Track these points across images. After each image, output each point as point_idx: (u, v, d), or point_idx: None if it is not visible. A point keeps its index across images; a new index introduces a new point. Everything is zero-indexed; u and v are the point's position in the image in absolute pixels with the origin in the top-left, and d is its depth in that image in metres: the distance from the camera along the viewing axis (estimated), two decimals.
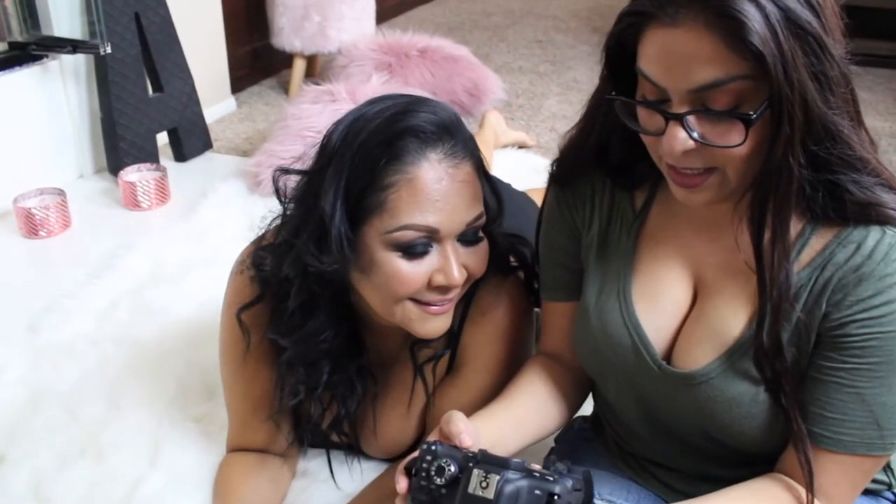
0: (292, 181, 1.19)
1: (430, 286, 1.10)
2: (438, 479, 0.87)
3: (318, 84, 2.85)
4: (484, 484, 0.83)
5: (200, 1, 3.22)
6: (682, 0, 0.82)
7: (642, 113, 0.92)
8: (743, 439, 0.99)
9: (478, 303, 1.25)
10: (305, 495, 1.39)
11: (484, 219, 1.13)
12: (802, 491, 0.93)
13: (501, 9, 5.63)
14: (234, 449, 1.39)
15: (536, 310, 1.31)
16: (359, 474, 1.40)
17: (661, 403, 1.05)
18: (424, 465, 0.88)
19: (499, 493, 0.81)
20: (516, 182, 2.01)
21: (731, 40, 0.80)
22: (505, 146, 2.96)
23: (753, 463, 1.00)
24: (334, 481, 1.37)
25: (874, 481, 1.06)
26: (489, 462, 0.84)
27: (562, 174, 1.13)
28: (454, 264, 1.09)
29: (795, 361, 0.94)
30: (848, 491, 0.95)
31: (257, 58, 3.81)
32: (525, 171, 2.66)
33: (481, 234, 1.15)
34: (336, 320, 1.20)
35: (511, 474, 0.82)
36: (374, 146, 1.06)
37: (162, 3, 2.75)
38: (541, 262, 1.22)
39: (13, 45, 2.55)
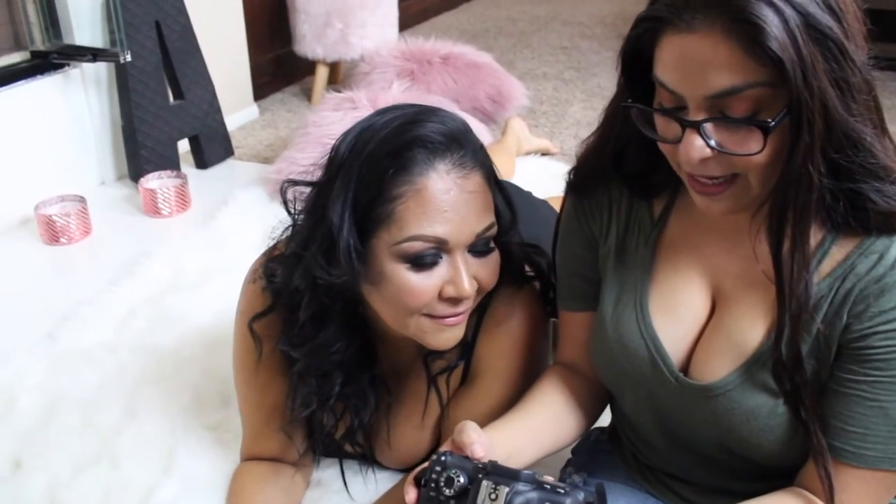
0: (303, 191, 1.18)
1: (441, 298, 1.08)
2: (448, 490, 0.85)
3: (339, 91, 2.85)
4: (493, 496, 0.81)
5: (223, 9, 3.23)
6: (698, 5, 0.80)
7: (659, 121, 0.90)
8: (761, 452, 0.96)
9: (492, 313, 1.23)
10: None
11: (495, 229, 1.11)
12: None
13: (527, 15, 5.62)
14: (248, 458, 1.38)
15: (553, 320, 1.29)
16: (373, 484, 1.39)
17: (677, 415, 1.02)
18: (434, 476, 0.87)
19: None
20: (538, 189, 2.00)
21: (748, 46, 0.78)
22: (528, 153, 2.94)
23: (772, 476, 0.98)
24: (347, 492, 1.36)
25: None
26: (499, 473, 0.83)
27: (579, 183, 1.12)
28: (464, 276, 1.07)
29: (815, 374, 0.92)
30: None
31: (280, 65, 3.82)
32: (548, 178, 2.63)
33: (493, 244, 1.13)
34: (348, 332, 1.18)
35: (521, 486, 0.81)
36: (381, 157, 1.05)
37: (182, 11, 2.76)
38: (558, 272, 1.20)
39: (35, 55, 2.58)
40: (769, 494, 0.95)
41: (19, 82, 2.48)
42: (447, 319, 1.10)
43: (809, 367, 0.91)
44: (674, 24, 0.82)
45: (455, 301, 1.08)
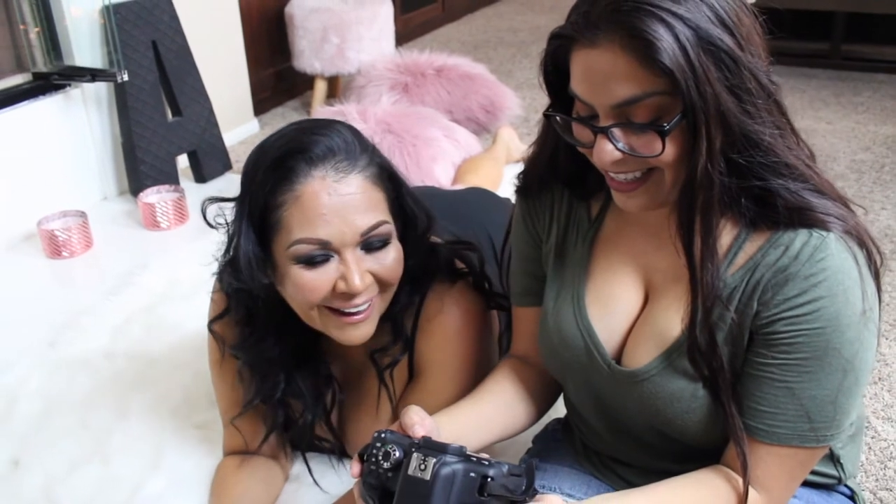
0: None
1: (335, 292, 1.16)
2: (385, 464, 0.92)
3: (334, 106, 2.93)
4: (422, 466, 0.87)
5: (221, 27, 3.33)
6: (599, 24, 0.88)
7: (576, 128, 0.98)
8: (687, 433, 1.03)
9: (424, 310, 1.31)
10: (297, 496, 1.46)
11: (387, 226, 1.18)
12: (741, 482, 0.97)
13: (528, 25, 5.69)
14: (228, 452, 1.46)
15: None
16: (346, 476, 1.46)
17: (612, 401, 1.09)
18: (374, 451, 0.94)
19: (435, 474, 0.86)
20: None
21: (644, 59, 0.86)
22: (518, 161, 3.00)
23: (702, 458, 1.04)
24: (317, 485, 1.43)
25: (824, 475, 1.11)
26: (430, 447, 0.90)
27: (525, 186, 1.19)
28: (354, 272, 1.14)
29: (731, 359, 0.98)
30: (786, 482, 0.99)
31: (280, 80, 3.92)
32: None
33: (391, 240, 1.19)
34: (274, 331, 1.27)
35: (448, 458, 0.87)
36: (268, 169, 1.14)
37: (178, 31, 2.86)
38: (510, 270, 1.27)
39: (37, 76, 2.68)
40: (694, 472, 1.02)
41: (22, 103, 2.58)
42: (349, 317, 1.18)
43: (726, 354, 0.98)
44: (580, 41, 0.91)
45: (348, 295, 1.16)
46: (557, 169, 1.11)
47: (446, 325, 1.29)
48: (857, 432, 1.14)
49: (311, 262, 1.14)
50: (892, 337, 2.04)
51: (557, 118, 0.99)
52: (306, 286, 1.15)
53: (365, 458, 0.96)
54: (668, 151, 0.90)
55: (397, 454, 0.92)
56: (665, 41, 0.84)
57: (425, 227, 1.26)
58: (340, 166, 1.14)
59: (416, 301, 1.29)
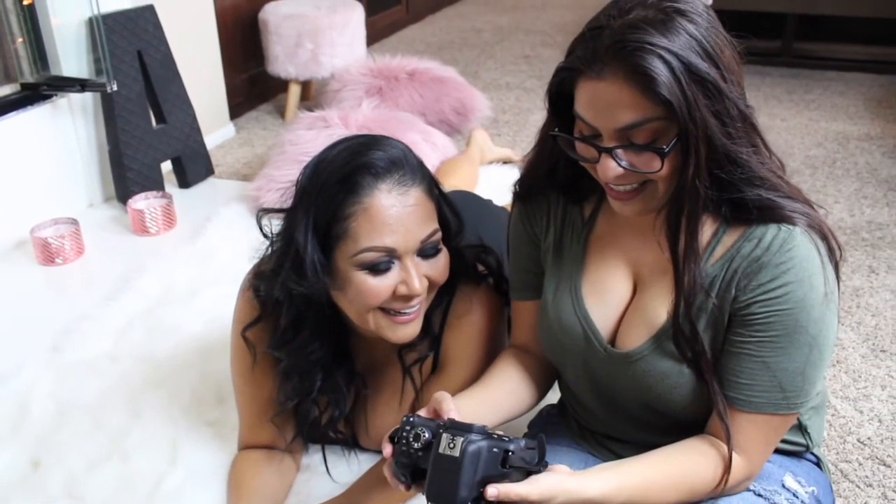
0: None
1: (395, 296, 1.27)
2: (416, 444, 1.04)
3: (311, 109, 3.02)
4: (451, 445, 0.99)
5: (198, 33, 3.41)
6: (605, 58, 1.01)
7: (580, 146, 1.11)
8: (676, 407, 1.17)
9: (454, 309, 1.43)
10: (309, 486, 1.56)
11: (439, 234, 1.31)
12: (724, 447, 1.12)
13: (491, 25, 5.81)
14: (245, 447, 1.56)
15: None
16: (356, 465, 1.57)
17: (607, 380, 1.23)
18: (404, 434, 1.06)
19: (463, 451, 0.98)
20: (500, 197, 2.16)
21: (644, 90, 0.99)
22: (491, 162, 3.12)
23: (690, 431, 1.17)
24: (329, 475, 1.54)
25: (794, 443, 1.25)
26: (456, 427, 1.01)
27: (523, 193, 1.33)
28: (414, 276, 1.26)
29: (713, 341, 1.13)
30: (762, 446, 1.14)
31: (254, 84, 4.00)
32: (510, 186, 2.82)
33: (441, 246, 1.32)
34: (322, 334, 1.38)
35: (474, 436, 0.99)
36: (333, 184, 1.25)
37: (162, 40, 2.93)
38: (510, 268, 1.40)
39: (25, 86, 2.74)
40: (682, 441, 1.16)
41: (11, 113, 2.63)
42: (401, 317, 1.30)
43: (707, 337, 1.12)
44: (586, 73, 1.04)
45: (407, 298, 1.28)
46: (556, 178, 1.25)
47: (473, 323, 1.42)
48: (821, 404, 1.30)
49: (375, 268, 1.25)
50: (847, 323, 2.20)
51: (562, 137, 1.12)
52: (370, 291, 1.26)
53: (396, 440, 1.07)
54: (664, 168, 1.03)
55: (427, 435, 1.03)
56: (663, 75, 0.98)
57: (458, 233, 1.39)
58: (403, 180, 1.26)
59: (444, 301, 1.41)
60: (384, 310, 1.30)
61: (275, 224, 1.38)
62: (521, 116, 3.88)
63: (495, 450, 0.99)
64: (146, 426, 1.74)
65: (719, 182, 1.06)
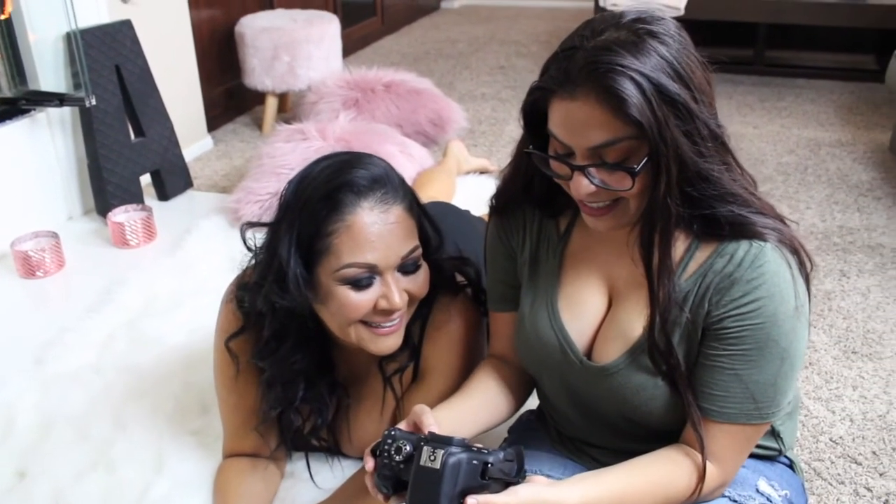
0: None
1: (376, 310, 1.31)
2: (398, 457, 1.07)
3: (289, 121, 3.05)
4: (432, 457, 1.02)
5: (175, 47, 3.42)
6: (577, 79, 1.03)
7: (554, 163, 1.13)
8: (652, 418, 1.20)
9: (433, 320, 1.46)
10: (293, 493, 1.59)
11: (419, 250, 1.34)
12: (699, 456, 1.15)
13: (466, 36, 5.86)
14: (229, 455, 1.58)
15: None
16: (340, 472, 1.60)
17: (584, 392, 1.26)
18: (386, 447, 1.08)
19: (444, 463, 1.01)
20: (477, 207, 2.19)
21: (616, 111, 1.02)
22: (468, 173, 3.15)
23: (665, 438, 1.21)
24: (313, 481, 1.57)
25: (767, 448, 1.29)
26: (436, 440, 1.04)
27: (499, 207, 1.36)
28: (395, 291, 1.30)
29: (687, 355, 1.16)
30: (736, 454, 1.17)
31: (231, 97, 4.02)
32: (486, 196, 2.84)
33: (420, 262, 1.35)
34: (304, 345, 1.41)
35: (454, 449, 1.02)
36: (317, 201, 1.28)
37: (140, 54, 2.95)
38: (487, 280, 1.43)
39: (3, 101, 2.74)
40: (658, 450, 1.19)
41: None
42: (382, 329, 1.33)
43: (682, 351, 1.15)
44: (559, 93, 1.06)
45: (388, 312, 1.31)
46: (532, 193, 1.28)
47: (452, 334, 1.45)
48: (794, 410, 1.33)
49: (357, 283, 1.28)
50: (820, 326, 2.25)
51: (536, 154, 1.15)
52: (352, 305, 1.29)
53: (377, 453, 1.10)
54: (635, 186, 1.07)
55: (408, 448, 1.06)
56: (634, 97, 1.00)
57: (437, 247, 1.42)
58: (385, 198, 1.29)
59: (423, 312, 1.44)
60: (365, 322, 1.33)
61: (258, 237, 1.41)
62: (496, 127, 3.92)
63: (475, 462, 1.02)
64: (131, 436, 1.76)
65: (691, 199, 1.08)
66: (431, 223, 1.41)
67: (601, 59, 1.02)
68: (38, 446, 1.75)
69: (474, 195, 2.80)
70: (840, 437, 1.83)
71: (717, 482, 1.17)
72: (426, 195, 2.66)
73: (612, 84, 1.00)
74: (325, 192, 1.28)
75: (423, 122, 3.47)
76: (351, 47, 5.29)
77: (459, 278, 1.51)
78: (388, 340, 1.35)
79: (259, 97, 3.96)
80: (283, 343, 1.40)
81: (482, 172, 3.19)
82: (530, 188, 1.27)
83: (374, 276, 1.29)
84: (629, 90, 1.00)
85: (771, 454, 1.30)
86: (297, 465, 1.64)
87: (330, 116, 3.26)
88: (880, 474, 1.72)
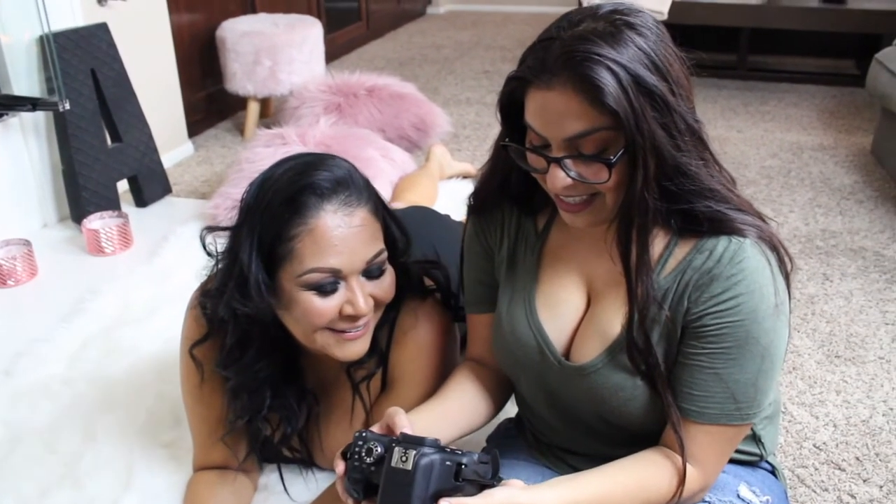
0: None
1: (341, 316, 1.26)
2: (368, 459, 1.03)
3: (270, 126, 3.01)
4: (404, 458, 0.98)
5: (154, 51, 3.38)
6: (554, 69, 1.01)
7: (530, 156, 1.11)
8: (630, 419, 1.17)
9: (400, 325, 1.42)
10: None
11: (385, 254, 1.30)
12: (679, 458, 1.12)
13: (451, 41, 5.84)
14: (200, 468, 1.54)
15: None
16: (314, 484, 1.56)
17: (562, 393, 1.23)
18: (357, 449, 1.05)
19: (416, 464, 0.97)
20: (460, 212, 2.15)
21: (592, 100, 0.99)
22: (451, 177, 3.13)
23: (645, 443, 1.17)
24: (287, 494, 1.52)
25: (748, 453, 1.26)
26: (408, 441, 1.01)
27: (477, 205, 1.32)
28: (360, 297, 1.25)
29: (666, 354, 1.13)
30: (716, 456, 1.14)
31: (212, 102, 3.97)
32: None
33: (386, 266, 1.31)
34: (269, 352, 1.36)
35: (426, 450, 0.98)
36: (278, 204, 1.23)
37: (116, 58, 2.91)
38: (465, 281, 1.39)
39: None
40: (638, 452, 1.15)
41: None
42: (347, 334, 1.28)
43: (661, 350, 1.12)
44: (536, 83, 1.04)
45: (353, 318, 1.27)
46: (509, 190, 1.24)
47: (420, 338, 1.41)
48: (774, 414, 1.30)
49: (321, 289, 1.24)
50: (803, 330, 2.22)
51: (512, 147, 1.12)
52: (316, 311, 1.24)
53: (348, 456, 1.06)
54: (611, 179, 1.04)
55: (379, 450, 1.02)
56: (610, 86, 0.98)
57: (404, 250, 1.37)
58: (349, 200, 1.24)
59: (391, 317, 1.40)
60: (331, 328, 1.29)
61: (221, 242, 1.37)
62: (481, 131, 3.89)
63: (448, 463, 0.98)
64: (100, 449, 1.71)
65: (669, 194, 1.06)
66: (398, 225, 1.37)
67: (578, 48, 1.00)
68: (4, 461, 1.70)
69: (457, 200, 2.76)
70: (824, 443, 1.80)
71: (698, 485, 1.14)
72: (408, 200, 2.64)
73: (589, 73, 0.98)
74: (286, 194, 1.23)
75: (406, 127, 3.44)
76: (336, 52, 5.26)
77: (428, 282, 1.47)
78: (355, 346, 1.31)
79: (241, 102, 3.92)
80: (247, 351, 1.35)
81: (465, 177, 3.16)
82: (507, 184, 1.24)
83: (339, 281, 1.25)
84: (606, 79, 0.98)
85: (752, 459, 1.27)
86: (270, 477, 1.59)
87: (312, 121, 3.22)
88: (864, 480, 1.69)
